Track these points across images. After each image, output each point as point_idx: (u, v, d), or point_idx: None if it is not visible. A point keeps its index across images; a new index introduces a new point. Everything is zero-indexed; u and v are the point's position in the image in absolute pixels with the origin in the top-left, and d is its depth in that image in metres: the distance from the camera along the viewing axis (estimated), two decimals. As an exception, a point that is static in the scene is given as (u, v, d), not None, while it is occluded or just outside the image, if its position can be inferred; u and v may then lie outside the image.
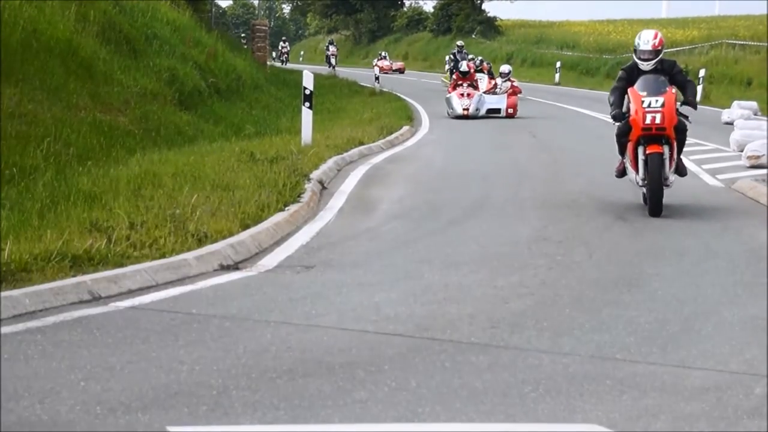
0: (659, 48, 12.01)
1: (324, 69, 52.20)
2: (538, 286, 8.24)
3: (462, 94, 27.57)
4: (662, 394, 5.56)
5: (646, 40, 12.08)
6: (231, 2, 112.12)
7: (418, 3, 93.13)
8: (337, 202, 12.67)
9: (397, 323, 6.97)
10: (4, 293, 7.03)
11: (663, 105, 11.57)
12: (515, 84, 32.09)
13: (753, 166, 16.56)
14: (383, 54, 69.57)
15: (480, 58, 41.49)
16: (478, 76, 30.49)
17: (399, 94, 35.43)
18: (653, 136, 11.62)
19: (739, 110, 26.46)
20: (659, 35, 12.16)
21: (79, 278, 7.62)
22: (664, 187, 11.72)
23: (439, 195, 13.42)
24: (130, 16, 22.66)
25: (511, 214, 11.90)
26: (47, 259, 7.88)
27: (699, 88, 38.97)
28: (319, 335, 6.65)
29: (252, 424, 5.00)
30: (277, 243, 9.87)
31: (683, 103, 11.91)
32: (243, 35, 66.33)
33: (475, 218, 11.63)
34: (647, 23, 70.17)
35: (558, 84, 51.39)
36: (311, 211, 11.72)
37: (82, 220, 9.37)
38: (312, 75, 18.01)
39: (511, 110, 27.74)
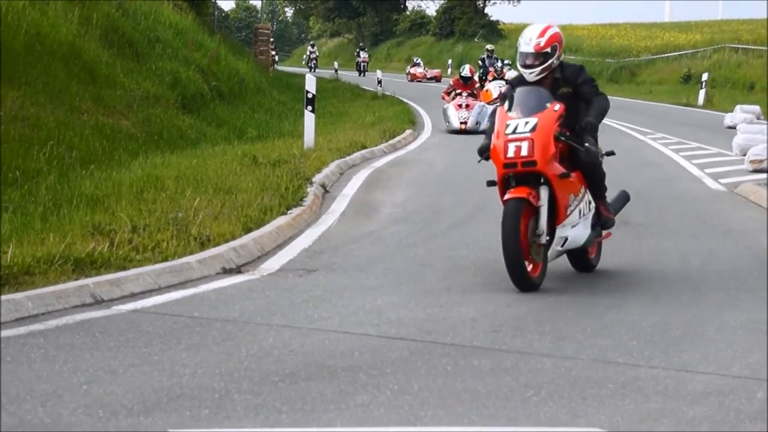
0: (547, 50, 8.41)
1: (328, 73, 52.06)
2: (540, 290, 8.23)
3: (460, 105, 24.50)
4: (664, 398, 5.56)
5: (528, 38, 8.49)
6: (233, 5, 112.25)
7: (420, 6, 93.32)
8: (339, 205, 12.67)
9: (399, 327, 6.98)
10: (7, 296, 7.03)
11: (533, 129, 8.11)
12: None
13: (756, 170, 16.55)
14: (417, 60, 62.10)
15: (508, 61, 39.26)
16: (497, 83, 28.09)
17: (401, 98, 35.44)
18: (522, 174, 8.16)
19: (741, 114, 26.45)
20: (551, 32, 8.53)
21: (82, 281, 7.62)
22: (536, 248, 8.18)
23: (441, 198, 13.43)
24: (132, 20, 22.68)
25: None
26: (50, 262, 7.89)
27: (702, 92, 39.15)
28: (321, 339, 6.66)
29: (254, 427, 5.00)
30: (280, 246, 9.87)
31: (580, 129, 8.40)
32: (272, 44, 64.52)
33: (477, 222, 11.63)
34: (649, 27, 70.29)
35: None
36: (314, 215, 11.72)
37: (85, 223, 9.38)
38: (314, 78, 18.03)
39: None
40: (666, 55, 55.07)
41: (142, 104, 18.11)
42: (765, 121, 24.95)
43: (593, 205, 8.66)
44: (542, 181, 8.12)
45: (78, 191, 11.07)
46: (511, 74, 27.44)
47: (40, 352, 6.15)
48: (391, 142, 20.82)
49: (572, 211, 8.31)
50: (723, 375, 6.01)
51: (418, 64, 60.37)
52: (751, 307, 7.76)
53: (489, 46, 40.76)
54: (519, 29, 76.85)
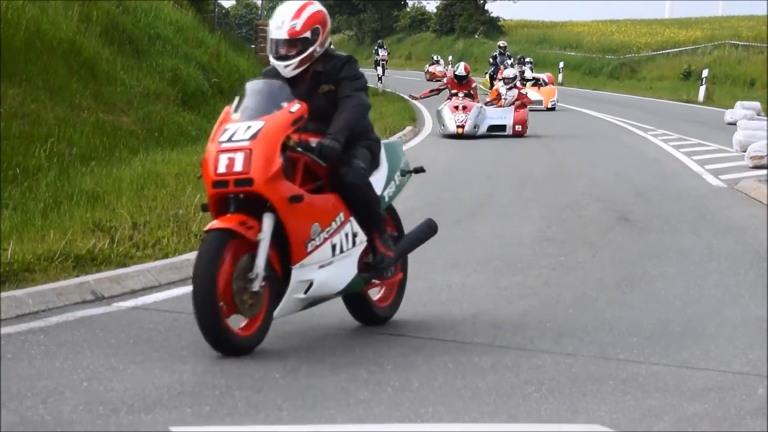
0: (305, 34, 6.48)
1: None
2: (541, 287, 8.24)
3: (456, 107, 22.16)
4: (665, 394, 5.56)
5: (280, 20, 6.54)
6: (234, 2, 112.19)
7: (421, 3, 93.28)
8: (340, 202, 12.64)
9: (400, 324, 6.98)
10: (7, 293, 7.04)
11: (254, 136, 6.07)
12: (523, 92, 24.74)
13: (756, 167, 16.54)
14: (436, 58, 56.24)
15: (530, 59, 37.33)
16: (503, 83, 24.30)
17: (402, 95, 35.40)
18: (241, 197, 6.10)
19: (742, 111, 26.42)
20: (310, 10, 6.57)
21: (82, 278, 7.62)
22: (247, 297, 6.05)
23: (442, 195, 13.42)
24: (133, 16, 22.66)
25: (514, 215, 11.89)
26: (50, 259, 7.89)
27: (702, 89, 39.13)
28: (322, 335, 6.66)
29: (255, 424, 5.00)
30: (280, 243, 9.85)
31: (303, 147, 6.24)
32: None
33: (479, 218, 11.63)
34: (650, 23, 70.26)
35: (561, 84, 51.37)
36: (314, 212, 11.69)
37: (85, 220, 9.39)
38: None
39: (519, 127, 22.33)
40: (666, 51, 55.05)
41: (142, 101, 18.10)
42: (765, 118, 24.93)
43: (361, 238, 6.63)
44: (268, 208, 6.06)
45: (78, 188, 11.08)
46: (508, 72, 24.99)
47: (41, 349, 6.15)
48: (391, 139, 20.78)
49: (318, 247, 6.28)
50: (723, 371, 6.01)
51: (437, 62, 55.23)
52: (751, 303, 7.76)
53: (501, 43, 37.99)
54: (519, 26, 77.19)
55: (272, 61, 6.57)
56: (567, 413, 5.24)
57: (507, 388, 5.61)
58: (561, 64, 54.89)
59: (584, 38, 65.17)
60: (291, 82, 6.49)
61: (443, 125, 22.18)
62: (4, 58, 14.54)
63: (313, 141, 6.30)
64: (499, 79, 25.17)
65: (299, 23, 6.48)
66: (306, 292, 6.28)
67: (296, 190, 6.14)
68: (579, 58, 59.93)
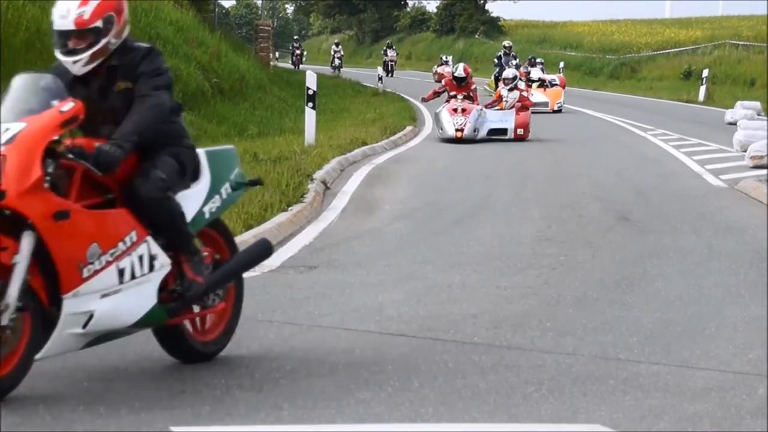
0: (96, 24, 5.55)
1: (328, 70, 51.94)
2: (541, 287, 8.24)
3: (455, 110, 21.09)
4: (665, 394, 5.56)
5: (65, 9, 5.56)
6: (234, 2, 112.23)
7: (421, 3, 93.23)
8: (340, 202, 12.67)
9: (400, 323, 6.98)
10: (8, 293, 7.02)
11: (11, 140, 5.12)
12: (525, 93, 23.57)
13: (756, 167, 16.53)
14: (446, 58, 52.37)
15: (540, 60, 36.64)
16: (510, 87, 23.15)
17: (402, 95, 35.42)
18: (7, 213, 5.08)
19: (742, 110, 26.40)
20: None
21: (83, 278, 7.60)
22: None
23: (442, 195, 13.42)
24: (133, 17, 22.50)
25: (514, 215, 11.89)
26: (51, 260, 7.87)
27: (702, 89, 39.13)
28: (322, 335, 6.66)
29: (255, 424, 5.01)
30: (281, 243, 9.86)
31: (75, 154, 5.29)
32: (296, 41, 63.73)
33: (479, 218, 11.63)
34: (650, 23, 70.25)
35: (561, 84, 51.29)
36: (314, 212, 11.72)
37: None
38: (315, 75, 18.04)
39: (520, 131, 21.24)
40: (667, 51, 55.04)
41: (142, 101, 18.09)
42: (765, 117, 24.93)
43: (162, 261, 5.63)
44: (28, 227, 5.07)
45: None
46: (508, 73, 24.20)
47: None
48: (391, 138, 20.80)
49: (99, 272, 5.30)
50: (723, 371, 6.01)
51: (446, 63, 51.18)
52: (751, 303, 7.76)
53: (506, 42, 36.91)
54: (519, 26, 77.13)
55: (59, 56, 5.62)
56: (567, 413, 5.24)
57: (507, 388, 5.61)
58: (561, 64, 54.75)
59: (584, 38, 65.14)
60: (83, 79, 5.64)
61: (441, 128, 21.24)
62: (4, 58, 14.54)
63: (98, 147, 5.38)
64: (501, 80, 24.43)
65: (88, 11, 5.53)
66: (85, 327, 5.28)
67: (62, 205, 5.16)
68: (579, 58, 59.92)
